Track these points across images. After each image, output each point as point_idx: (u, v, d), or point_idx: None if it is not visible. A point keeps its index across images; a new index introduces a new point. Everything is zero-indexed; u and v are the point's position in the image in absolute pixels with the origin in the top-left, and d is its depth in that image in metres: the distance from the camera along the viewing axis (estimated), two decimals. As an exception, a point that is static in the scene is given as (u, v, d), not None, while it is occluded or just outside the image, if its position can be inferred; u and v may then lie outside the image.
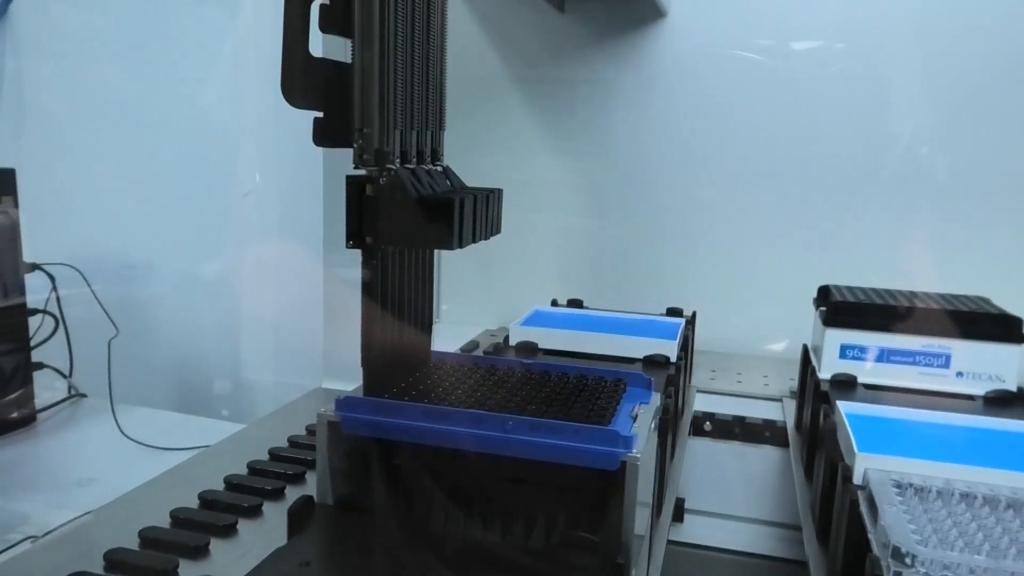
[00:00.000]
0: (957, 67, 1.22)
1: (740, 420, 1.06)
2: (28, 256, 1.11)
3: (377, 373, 0.55)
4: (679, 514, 1.11)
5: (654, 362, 0.93)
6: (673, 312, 1.13)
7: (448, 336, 1.33)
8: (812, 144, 1.28)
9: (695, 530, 1.10)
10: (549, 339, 0.96)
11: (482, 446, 0.52)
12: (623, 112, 1.36)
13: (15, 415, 1.07)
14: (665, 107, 1.34)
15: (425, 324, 0.60)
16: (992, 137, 1.21)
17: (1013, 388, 0.88)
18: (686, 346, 1.03)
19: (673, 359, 0.93)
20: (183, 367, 1.57)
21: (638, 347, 0.94)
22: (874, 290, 0.98)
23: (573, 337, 0.96)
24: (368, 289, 0.53)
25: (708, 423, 1.07)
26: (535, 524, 0.53)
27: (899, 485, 0.58)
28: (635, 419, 0.56)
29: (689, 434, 1.07)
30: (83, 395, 1.20)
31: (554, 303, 1.17)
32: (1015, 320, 0.87)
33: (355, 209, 0.50)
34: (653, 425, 0.59)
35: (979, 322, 0.88)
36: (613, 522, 0.51)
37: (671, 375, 0.88)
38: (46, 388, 1.18)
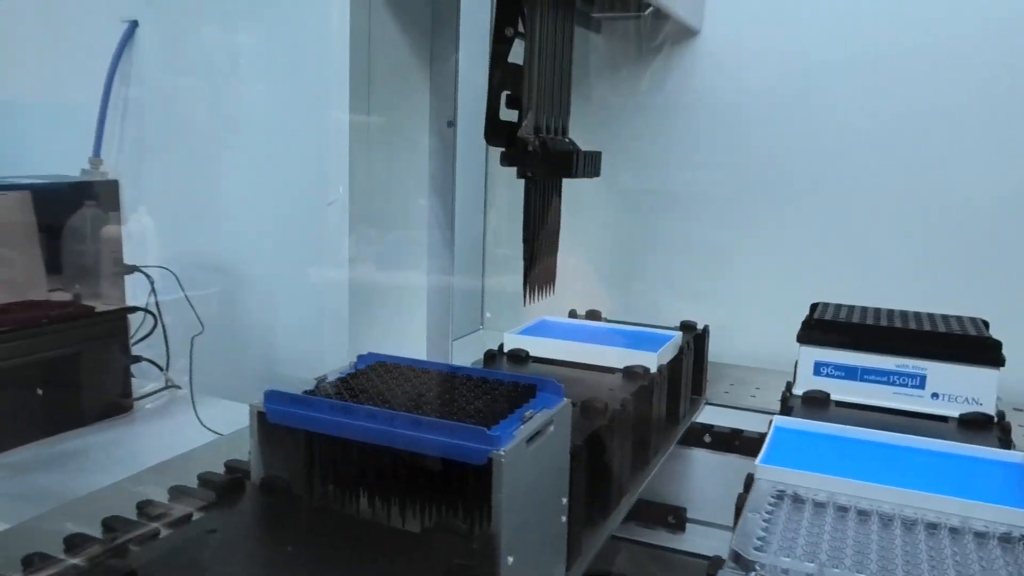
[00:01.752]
0: (984, 89, 1.19)
1: (738, 433, 1.08)
2: (133, 259, 1.26)
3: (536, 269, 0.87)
4: (681, 523, 1.14)
5: (633, 373, 0.97)
6: (686, 326, 1.16)
7: (489, 341, 1.41)
8: (840, 164, 1.28)
9: (696, 539, 1.13)
10: (539, 348, 1.03)
11: (375, 438, 0.60)
12: (656, 128, 1.40)
13: (116, 403, 1.20)
14: (697, 124, 1.37)
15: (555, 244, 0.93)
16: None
17: (990, 411, 0.86)
18: (680, 358, 1.06)
19: (652, 370, 0.97)
20: (268, 364, 1.71)
21: (620, 358, 0.98)
22: (863, 308, 0.98)
23: (561, 346, 1.02)
24: (528, 205, 0.86)
25: (707, 435, 1.10)
26: (420, 511, 0.60)
27: (780, 495, 0.61)
28: (525, 421, 0.62)
29: (691, 445, 1.10)
30: (177, 387, 1.34)
31: (572, 314, 1.23)
32: (993, 343, 0.86)
33: (519, 159, 0.83)
34: (551, 429, 0.64)
35: (956, 344, 0.87)
36: (483, 512, 0.57)
37: (644, 385, 0.93)
38: (150, 380, 1.33)
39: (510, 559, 0.60)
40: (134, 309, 1.25)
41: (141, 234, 1.46)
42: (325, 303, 1.60)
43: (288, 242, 1.61)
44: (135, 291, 1.29)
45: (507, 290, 1.58)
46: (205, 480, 0.76)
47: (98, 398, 1.17)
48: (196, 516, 0.60)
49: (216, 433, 1.13)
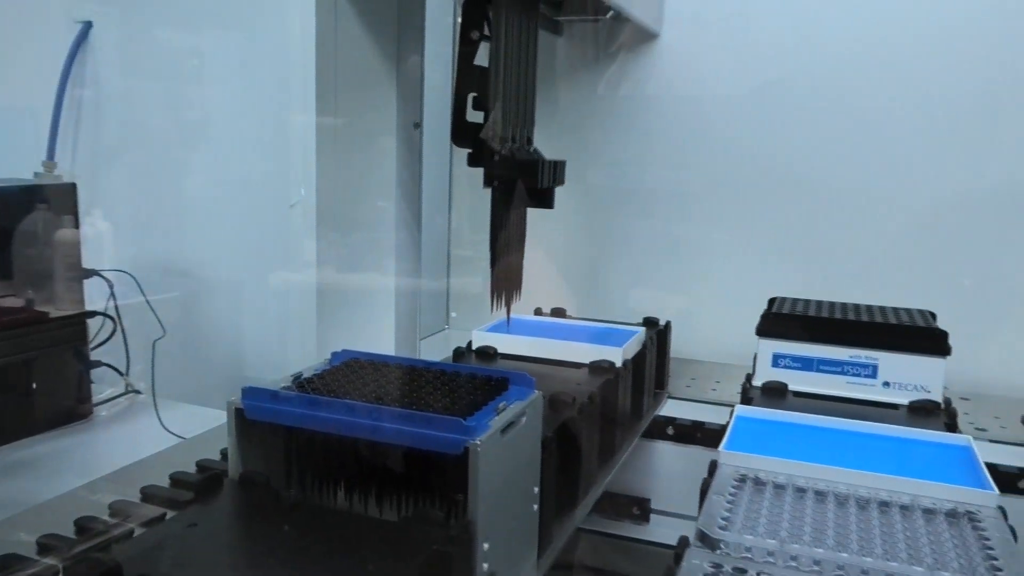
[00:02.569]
0: (940, 89, 1.24)
1: (700, 425, 1.11)
2: (92, 263, 1.25)
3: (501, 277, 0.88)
4: (645, 515, 1.17)
5: (599, 367, 0.99)
6: (648, 322, 1.19)
7: (455, 340, 1.43)
8: (797, 163, 1.32)
9: (661, 530, 1.16)
10: (507, 345, 1.05)
11: (355, 432, 0.61)
12: (617, 128, 1.43)
13: (74, 409, 1.18)
14: (659, 124, 1.41)
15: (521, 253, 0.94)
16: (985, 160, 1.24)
17: (937, 399, 0.91)
18: (644, 353, 1.09)
19: (618, 364, 1.00)
20: (233, 368, 1.70)
21: (586, 353, 1.01)
22: (819, 302, 1.02)
23: (528, 343, 1.04)
24: (494, 214, 0.88)
25: (670, 428, 1.13)
26: (397, 502, 0.62)
27: (742, 479, 0.64)
28: (499, 412, 0.64)
29: (655, 437, 1.13)
30: (138, 392, 1.32)
31: (537, 312, 1.25)
32: (940, 334, 0.90)
33: (488, 165, 0.86)
34: (524, 420, 0.67)
35: (905, 335, 0.91)
36: (460, 501, 0.59)
37: (610, 379, 0.95)
38: (109, 385, 1.32)
39: (485, 545, 0.62)
40: (92, 314, 1.23)
41: (99, 238, 1.45)
42: (291, 306, 1.60)
43: (253, 245, 1.60)
44: (95, 295, 1.28)
45: (472, 290, 1.60)
46: (179, 480, 0.77)
47: (55, 404, 1.16)
48: (175, 513, 0.61)
49: (180, 437, 1.12)
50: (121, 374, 1.31)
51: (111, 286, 1.30)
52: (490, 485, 0.61)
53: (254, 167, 1.57)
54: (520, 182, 0.89)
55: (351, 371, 0.72)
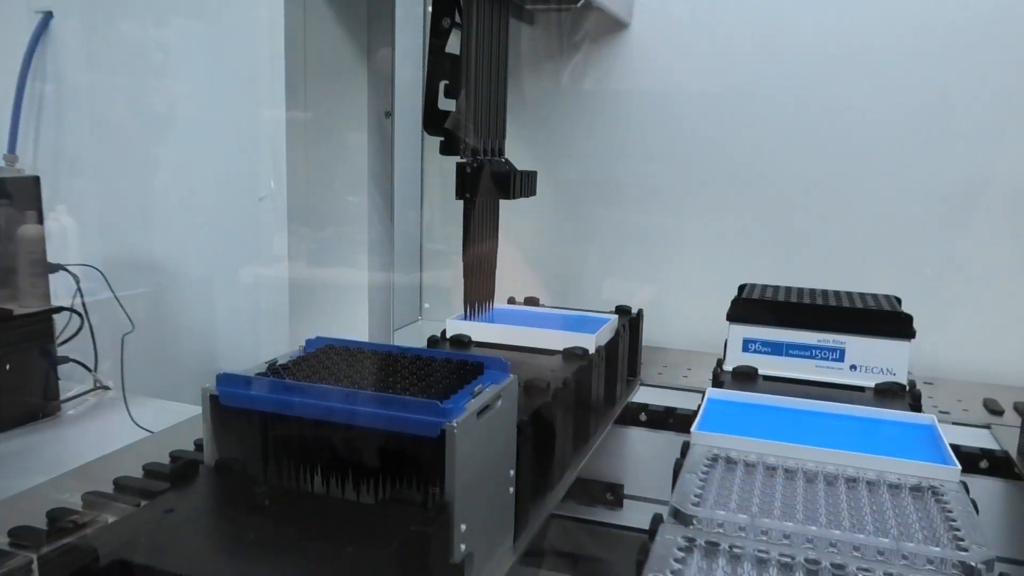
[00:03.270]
0: (905, 84, 1.27)
1: (672, 411, 1.13)
2: (58, 258, 1.23)
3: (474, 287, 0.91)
4: (618, 500, 1.18)
5: (572, 354, 1.00)
6: (621, 310, 1.20)
7: (428, 331, 1.43)
8: (765, 153, 1.35)
9: (634, 515, 1.17)
10: (481, 333, 1.05)
11: (331, 417, 0.62)
12: (589, 119, 1.44)
13: (41, 406, 1.17)
14: (629, 115, 1.42)
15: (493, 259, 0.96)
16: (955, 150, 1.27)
17: (903, 381, 0.93)
18: (616, 341, 1.10)
19: (591, 351, 1.01)
20: (203, 363, 1.69)
21: (559, 340, 1.02)
22: (787, 288, 1.04)
23: (502, 331, 1.05)
24: (467, 225, 0.89)
25: (643, 414, 1.14)
26: (375, 484, 0.62)
27: (714, 458, 0.65)
28: (475, 396, 0.65)
29: (628, 424, 1.15)
30: (107, 387, 1.31)
31: (511, 301, 1.26)
32: (905, 318, 0.92)
33: (459, 179, 0.87)
34: (499, 403, 0.67)
35: (872, 319, 0.93)
36: (437, 483, 0.60)
37: (583, 365, 0.96)
38: (77, 381, 1.30)
39: (463, 526, 0.63)
40: (59, 309, 1.22)
41: (64, 232, 1.43)
42: (263, 301, 1.59)
43: (223, 239, 1.59)
44: (61, 291, 1.27)
45: (444, 283, 1.60)
46: (153, 471, 0.77)
47: (21, 402, 1.14)
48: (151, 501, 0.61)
49: (151, 432, 1.12)
50: (89, 370, 1.29)
51: (78, 281, 1.28)
52: (466, 467, 0.62)
53: (223, 161, 1.56)
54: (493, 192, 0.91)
55: (326, 357, 0.72)
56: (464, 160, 0.88)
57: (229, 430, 0.66)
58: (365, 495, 0.64)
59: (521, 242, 1.49)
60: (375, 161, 1.20)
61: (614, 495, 1.17)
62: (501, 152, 0.96)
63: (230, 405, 0.64)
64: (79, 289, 1.28)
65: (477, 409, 0.63)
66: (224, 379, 0.64)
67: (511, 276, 1.48)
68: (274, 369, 0.68)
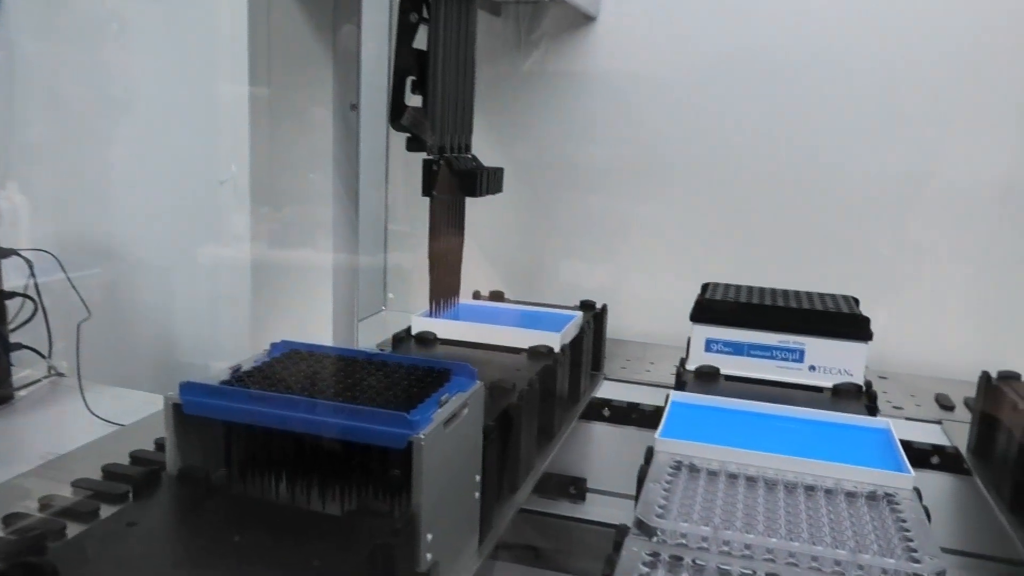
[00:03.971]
0: (871, 78, 1.29)
1: (635, 406, 1.14)
2: (8, 241, 1.19)
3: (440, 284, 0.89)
4: (581, 494, 1.19)
5: (538, 352, 1.01)
6: (585, 305, 1.21)
7: (392, 322, 1.42)
8: (729, 149, 1.36)
9: (597, 508, 1.19)
10: (446, 330, 1.05)
11: (296, 427, 0.61)
12: (553, 111, 1.44)
13: None
14: (593, 107, 1.42)
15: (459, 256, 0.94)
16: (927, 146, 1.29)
17: (859, 381, 0.95)
18: (581, 337, 1.11)
19: (556, 349, 1.01)
20: (163, 349, 1.66)
21: (524, 338, 1.02)
22: (749, 288, 1.05)
23: (468, 328, 1.05)
24: (433, 222, 0.87)
25: (606, 409, 1.15)
26: (341, 495, 0.62)
27: (678, 466, 0.66)
28: (442, 405, 0.65)
29: (591, 419, 1.16)
30: (61, 374, 1.28)
31: (476, 295, 1.26)
32: (863, 320, 0.94)
33: (425, 176, 0.85)
34: (465, 412, 0.67)
35: (830, 321, 0.95)
36: (404, 493, 0.60)
37: (548, 364, 0.97)
38: (30, 368, 1.27)
39: (429, 536, 0.63)
40: (10, 295, 1.19)
41: (15, 213, 1.39)
42: (224, 285, 1.57)
43: (183, 222, 1.56)
44: (13, 275, 1.23)
45: (409, 268, 1.59)
46: (115, 473, 0.76)
47: (-28, 388, 1.11)
48: (113, 509, 0.60)
49: (108, 422, 1.10)
50: (43, 356, 1.26)
51: (30, 265, 1.25)
52: (433, 477, 0.62)
53: (182, 140, 1.53)
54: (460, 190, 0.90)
55: (291, 363, 0.72)
56: (430, 158, 0.87)
57: (192, 438, 0.65)
58: (331, 505, 0.64)
59: (486, 235, 1.49)
60: (339, 146, 1.18)
61: (577, 489, 1.18)
62: (467, 148, 0.96)
63: (193, 413, 0.63)
64: (32, 273, 1.25)
65: (444, 419, 0.64)
66: (187, 387, 0.63)
67: (476, 269, 1.48)
68: (238, 376, 0.67)
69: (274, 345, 0.75)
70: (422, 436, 0.60)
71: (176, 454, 0.65)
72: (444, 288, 0.93)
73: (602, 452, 1.16)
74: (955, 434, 1.07)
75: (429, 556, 0.63)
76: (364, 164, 1.27)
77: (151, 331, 1.59)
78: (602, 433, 1.16)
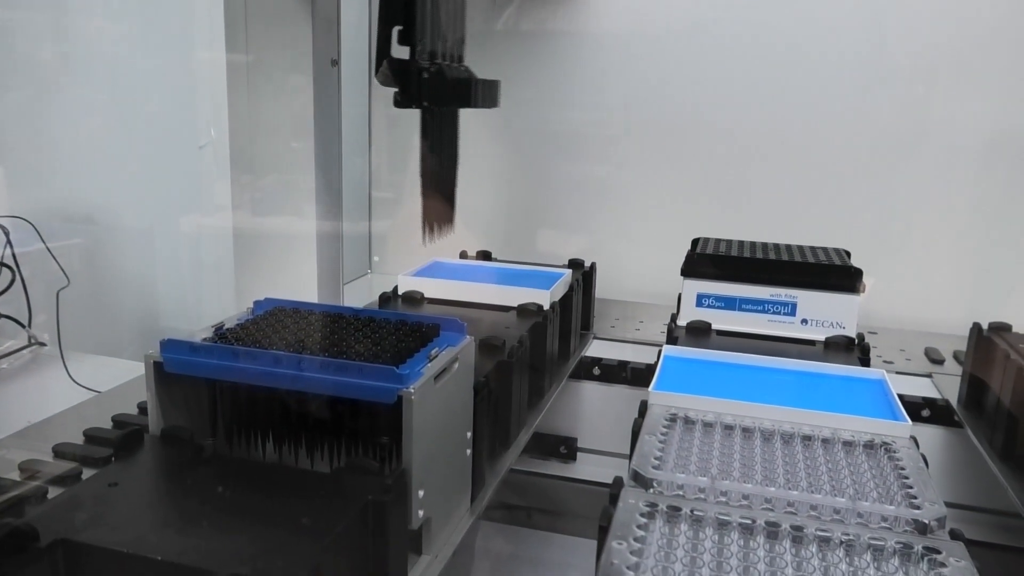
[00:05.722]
0: (846, 37, 1.27)
1: (625, 365, 1.13)
2: None
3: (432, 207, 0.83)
4: (572, 453, 1.19)
5: (527, 310, 0.99)
6: (574, 264, 1.19)
7: (378, 285, 1.40)
8: (720, 106, 1.34)
9: (587, 468, 1.18)
10: (433, 289, 1.03)
11: (283, 383, 0.59)
12: (545, 68, 1.41)
13: None
14: (583, 65, 1.39)
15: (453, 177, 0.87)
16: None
17: (852, 334, 0.94)
18: (570, 295, 1.09)
19: (545, 307, 1.00)
20: (145, 317, 1.63)
21: (514, 296, 1.00)
22: (740, 242, 1.04)
23: (455, 287, 1.03)
24: (424, 138, 0.80)
25: (596, 368, 1.14)
26: (330, 452, 0.61)
27: (673, 418, 0.65)
28: (431, 359, 0.63)
29: (582, 378, 1.15)
30: (42, 343, 1.26)
31: (463, 255, 1.24)
32: (855, 272, 0.93)
33: (415, 84, 0.77)
34: (456, 366, 0.66)
35: (822, 274, 0.94)
36: (394, 449, 0.59)
37: (538, 322, 0.95)
38: (10, 338, 1.24)
39: (420, 492, 0.62)
40: (-13, 263, 1.16)
41: (-9, 181, 1.35)
42: (206, 253, 1.54)
43: (162, 188, 1.53)
44: (-9, 245, 1.20)
45: (393, 233, 1.57)
46: (97, 437, 0.74)
47: (-50, 360, 1.09)
48: (94, 471, 0.58)
49: (90, 390, 1.08)
50: (23, 326, 1.24)
51: (7, 233, 1.22)
52: (424, 432, 0.60)
53: (160, 105, 1.49)
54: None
55: (276, 320, 0.70)
56: (421, 64, 0.78)
57: (174, 398, 0.63)
58: (320, 464, 0.62)
59: (473, 193, 1.46)
60: (320, 107, 1.15)
61: (568, 449, 1.17)
62: (460, 59, 0.88)
63: (175, 372, 0.61)
64: (8, 242, 1.22)
65: (434, 373, 0.62)
66: (168, 345, 0.61)
67: (462, 230, 1.46)
68: (221, 334, 0.65)
69: (257, 303, 0.73)
70: (412, 390, 0.58)
71: (158, 415, 0.63)
72: (437, 212, 0.88)
73: (593, 411, 1.15)
74: (946, 387, 1.07)
75: (421, 513, 0.62)
76: (346, 129, 1.24)
77: (133, 300, 1.57)
78: (592, 392, 1.15)
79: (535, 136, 1.45)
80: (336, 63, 1.16)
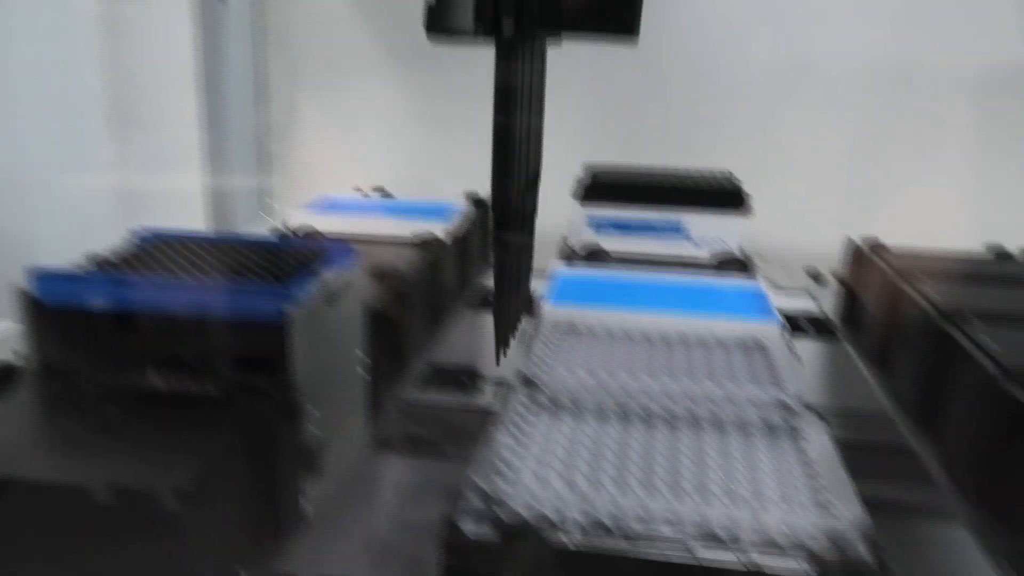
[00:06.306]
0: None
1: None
2: None
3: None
4: (472, 383, 1.20)
5: (424, 242, 0.99)
6: (472, 198, 1.20)
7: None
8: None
9: (488, 398, 1.20)
10: (327, 224, 1.02)
11: (167, 307, 0.58)
12: None
13: None
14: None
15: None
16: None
17: (738, 253, 0.98)
18: (467, 228, 1.10)
19: (442, 239, 1.00)
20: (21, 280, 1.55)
21: (411, 229, 1.00)
22: (630, 167, 1.06)
23: (350, 221, 1.02)
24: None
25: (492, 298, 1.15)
26: (220, 375, 0.60)
27: (562, 329, 0.67)
28: (319, 281, 0.63)
29: (480, 308, 1.16)
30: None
31: (358, 191, 1.23)
32: (740, 192, 0.97)
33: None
34: (345, 290, 0.66)
35: (709, 195, 0.97)
36: (285, 371, 0.58)
37: (434, 253, 0.96)
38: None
39: (314, 414, 0.62)
40: None
41: None
42: (88, 213, 1.47)
43: (32, 143, 1.45)
44: None
45: (290, 189, 1.53)
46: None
47: None
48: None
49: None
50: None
51: None
52: (314, 354, 0.61)
53: (26, 53, 1.41)
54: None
55: (155, 250, 0.68)
56: None
57: (50, 332, 0.61)
58: (209, 388, 0.62)
59: (366, 130, 1.44)
60: (205, 54, 1.11)
61: (469, 378, 1.19)
62: None
63: (50, 304, 0.59)
64: None
65: (322, 294, 0.62)
66: (40, 276, 0.59)
67: (357, 165, 1.44)
68: (98, 263, 0.63)
69: (136, 233, 0.70)
70: (298, 310, 0.58)
71: (33, 349, 0.61)
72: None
73: (491, 342, 1.17)
74: (825, 303, 1.13)
75: (314, 432, 0.62)
76: (235, 79, 1.20)
77: (10, 262, 1.49)
78: (490, 323, 1.17)
79: (430, 71, 1.43)
80: (224, 2, 1.12)
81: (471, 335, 1.16)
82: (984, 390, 0.67)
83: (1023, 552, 0.59)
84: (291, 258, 0.66)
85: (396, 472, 0.91)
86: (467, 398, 1.18)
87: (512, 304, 0.45)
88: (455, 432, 1.19)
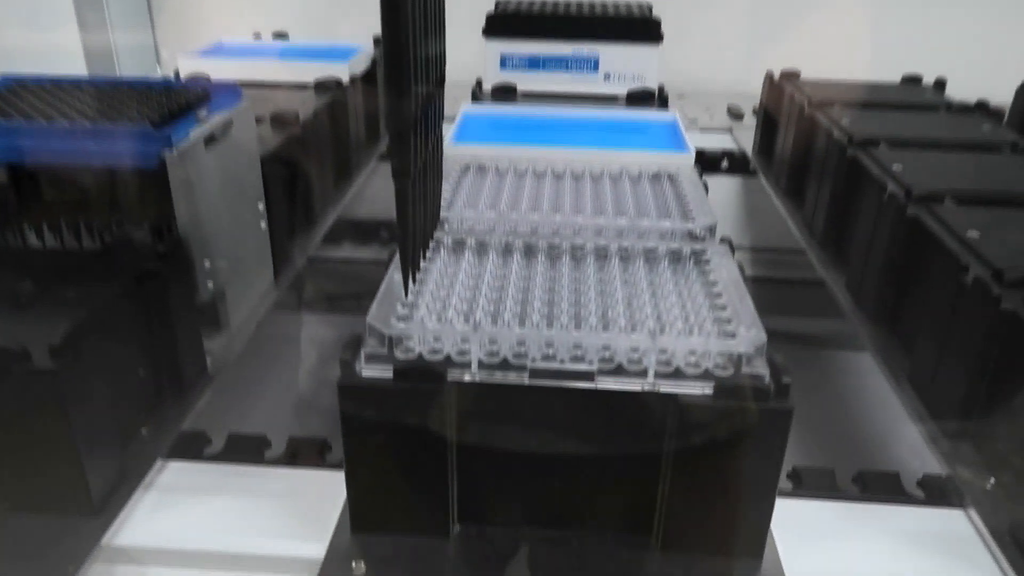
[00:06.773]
0: None
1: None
2: None
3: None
4: (392, 237, 1.17)
5: (324, 85, 0.93)
6: (378, 40, 1.12)
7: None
8: None
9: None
10: (220, 69, 0.95)
11: (32, 157, 0.53)
12: None
13: None
14: None
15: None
16: None
17: (653, 86, 0.95)
18: (374, 70, 1.03)
19: (345, 81, 0.94)
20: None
21: (309, 72, 0.94)
22: (542, 2, 1.00)
23: (245, 65, 0.95)
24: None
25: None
26: (99, 227, 0.56)
27: (466, 168, 0.64)
28: (200, 122, 0.58)
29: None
30: None
31: (257, 36, 1.14)
32: (654, 23, 0.93)
33: None
34: (232, 132, 0.61)
35: (622, 26, 0.93)
36: (168, 218, 0.55)
37: (336, 97, 0.90)
38: None
39: (207, 263, 0.59)
40: None
41: None
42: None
43: None
44: None
45: (182, 41, 1.41)
46: None
47: None
48: None
49: None
50: None
51: None
52: (200, 200, 0.57)
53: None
54: None
55: (16, 96, 0.61)
56: None
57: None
58: (88, 242, 0.57)
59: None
60: None
61: (388, 232, 1.16)
62: None
63: None
64: None
65: (203, 136, 0.57)
66: None
67: (256, 8, 1.34)
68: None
69: (-9, 78, 0.63)
70: (176, 152, 0.54)
71: None
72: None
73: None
74: (744, 140, 1.12)
75: (211, 284, 0.59)
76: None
77: None
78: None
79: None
80: None
81: (384, 185, 1.12)
82: (890, 214, 0.68)
83: (921, 370, 0.61)
84: (168, 101, 0.61)
85: (306, 328, 0.89)
86: (381, 251, 1.15)
87: (418, 231, 0.40)
88: (369, 286, 1.18)
